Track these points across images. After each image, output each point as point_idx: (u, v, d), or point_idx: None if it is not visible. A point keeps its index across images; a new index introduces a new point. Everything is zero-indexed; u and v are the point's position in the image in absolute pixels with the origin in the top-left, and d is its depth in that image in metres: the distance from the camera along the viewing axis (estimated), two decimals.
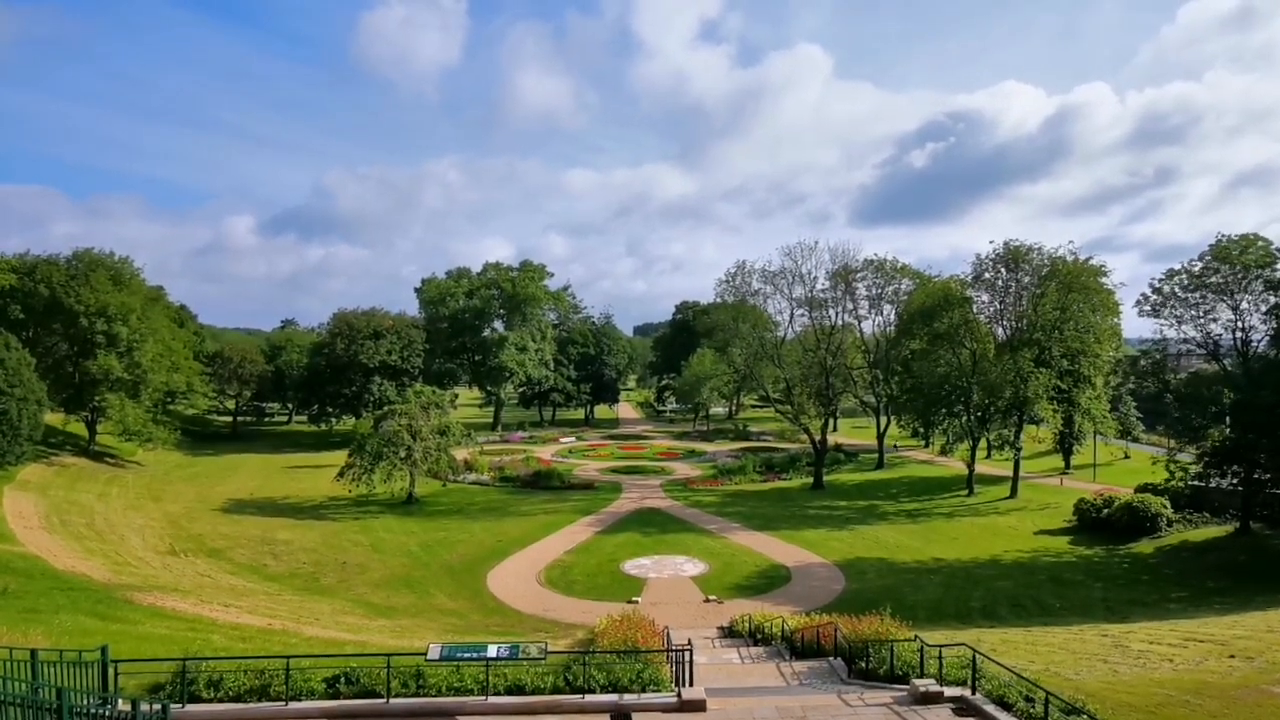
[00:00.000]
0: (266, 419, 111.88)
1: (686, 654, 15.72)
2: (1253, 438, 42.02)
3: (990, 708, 13.84)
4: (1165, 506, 46.60)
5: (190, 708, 13.46)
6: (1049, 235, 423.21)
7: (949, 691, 14.77)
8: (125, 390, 66.74)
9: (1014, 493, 60.22)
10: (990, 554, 44.00)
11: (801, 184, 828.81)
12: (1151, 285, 57.62)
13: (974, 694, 14.59)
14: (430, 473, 60.69)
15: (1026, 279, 61.53)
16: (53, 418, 67.64)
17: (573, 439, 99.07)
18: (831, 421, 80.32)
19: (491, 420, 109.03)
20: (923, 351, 65.08)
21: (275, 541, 46.04)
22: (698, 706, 14.14)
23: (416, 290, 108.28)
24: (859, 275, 74.88)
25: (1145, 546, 44.34)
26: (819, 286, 70.95)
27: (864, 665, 17.88)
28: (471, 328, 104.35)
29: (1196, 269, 54.92)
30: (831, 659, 19.71)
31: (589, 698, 14.33)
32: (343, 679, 14.39)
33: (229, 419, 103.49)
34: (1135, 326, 64.72)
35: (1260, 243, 52.55)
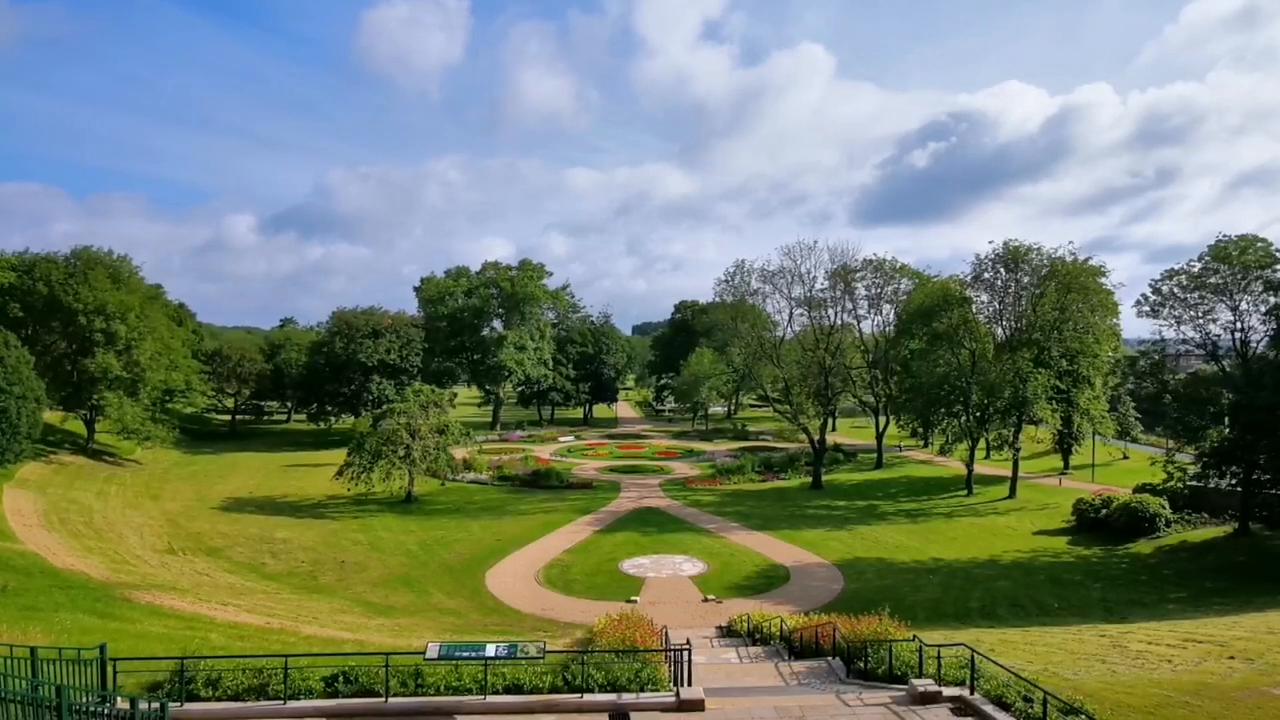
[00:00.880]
0: (265, 417, 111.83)
1: (685, 653, 15.72)
2: (1251, 438, 42.05)
3: (989, 708, 13.85)
4: (1164, 507, 46.64)
5: (189, 706, 13.45)
6: (1049, 235, 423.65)
7: (947, 691, 14.77)
8: (124, 388, 66.71)
9: (1013, 493, 60.27)
10: (989, 554, 44.03)
11: (803, 184, 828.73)
12: (1150, 286, 57.62)
13: (972, 694, 14.60)
14: (429, 472, 60.71)
15: (1026, 279, 61.59)
16: (51, 416, 67.65)
17: (571, 438, 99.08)
18: (830, 421, 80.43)
19: (490, 419, 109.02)
20: (922, 351, 65.13)
21: (274, 540, 46.03)
22: (696, 706, 14.14)
23: (415, 289, 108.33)
24: (858, 275, 74.90)
25: (1144, 547, 44.38)
26: (818, 286, 71.10)
27: (862, 665, 17.89)
28: (470, 327, 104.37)
29: (1196, 269, 54.89)
30: (830, 659, 19.71)
31: (587, 697, 14.32)
32: (341, 678, 14.38)
33: (228, 417, 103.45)
34: (1134, 327, 64.92)
35: (1260, 243, 52.52)
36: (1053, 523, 51.02)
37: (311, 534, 48.01)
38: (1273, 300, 51.23)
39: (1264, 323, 52.10)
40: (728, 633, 28.15)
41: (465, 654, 14.79)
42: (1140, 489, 51.02)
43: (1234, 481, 45.12)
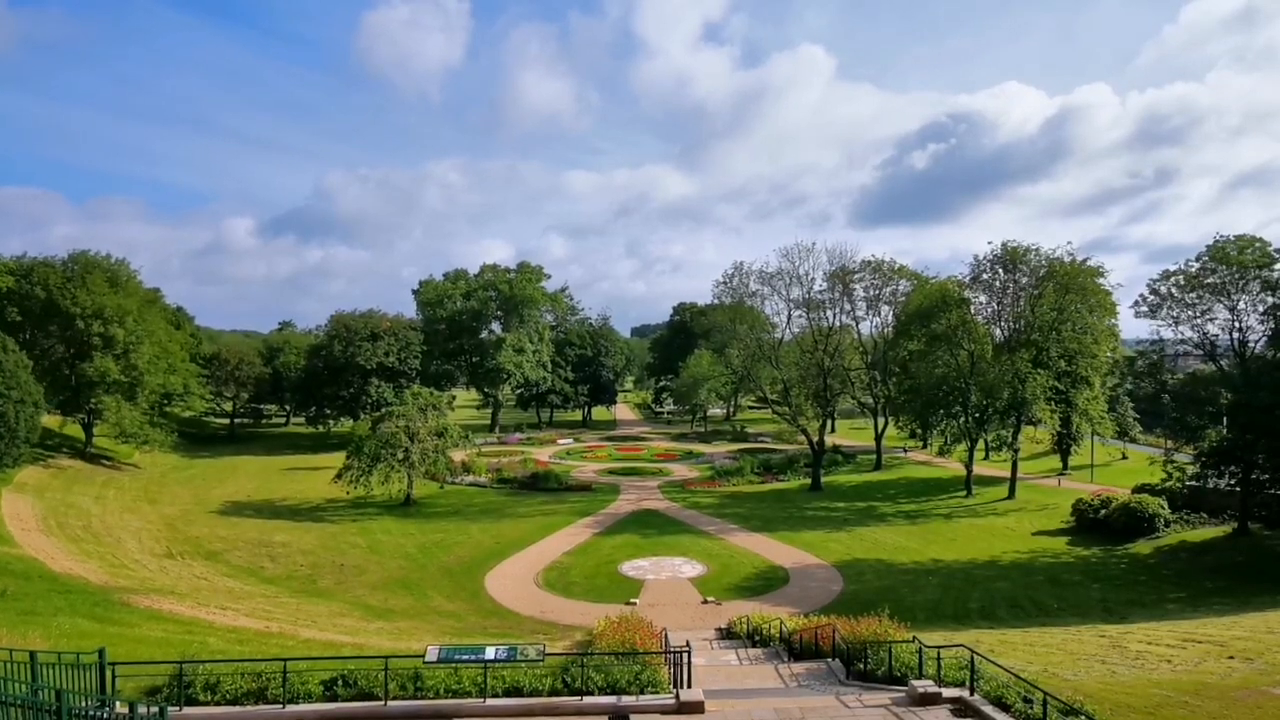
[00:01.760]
0: (264, 421, 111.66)
1: (685, 655, 15.71)
2: (1250, 438, 42.11)
3: (989, 709, 13.84)
4: (1163, 507, 46.67)
5: (187, 710, 13.43)
6: (1048, 236, 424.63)
7: (947, 693, 14.77)
8: (122, 392, 66.63)
9: (1012, 494, 60.30)
10: (988, 555, 44.05)
11: (802, 185, 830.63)
12: (1148, 286, 57.78)
13: (972, 695, 14.59)
14: (428, 474, 60.68)
15: (1024, 280, 61.66)
16: (49, 420, 67.54)
17: (570, 440, 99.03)
18: (829, 423, 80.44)
19: (489, 422, 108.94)
20: (920, 352, 65.14)
21: (272, 544, 45.97)
22: (696, 708, 14.13)
23: (414, 292, 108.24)
24: (857, 276, 74.93)
25: (1143, 547, 44.40)
26: (817, 288, 71.06)
27: (862, 667, 17.88)
28: (469, 329, 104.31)
29: (1194, 269, 55.02)
30: (830, 660, 19.70)
31: (587, 699, 14.30)
32: (340, 681, 14.36)
33: (226, 421, 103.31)
34: (1133, 327, 64.89)
35: (1258, 243, 52.64)
36: (1052, 523, 51.03)
37: (310, 537, 47.95)
38: (1270, 300, 51.33)
39: (1262, 322, 52.22)
40: (727, 634, 28.13)
41: (465, 657, 14.79)
42: (1139, 489, 51.04)
43: (1233, 481, 45.14)
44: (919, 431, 77.42)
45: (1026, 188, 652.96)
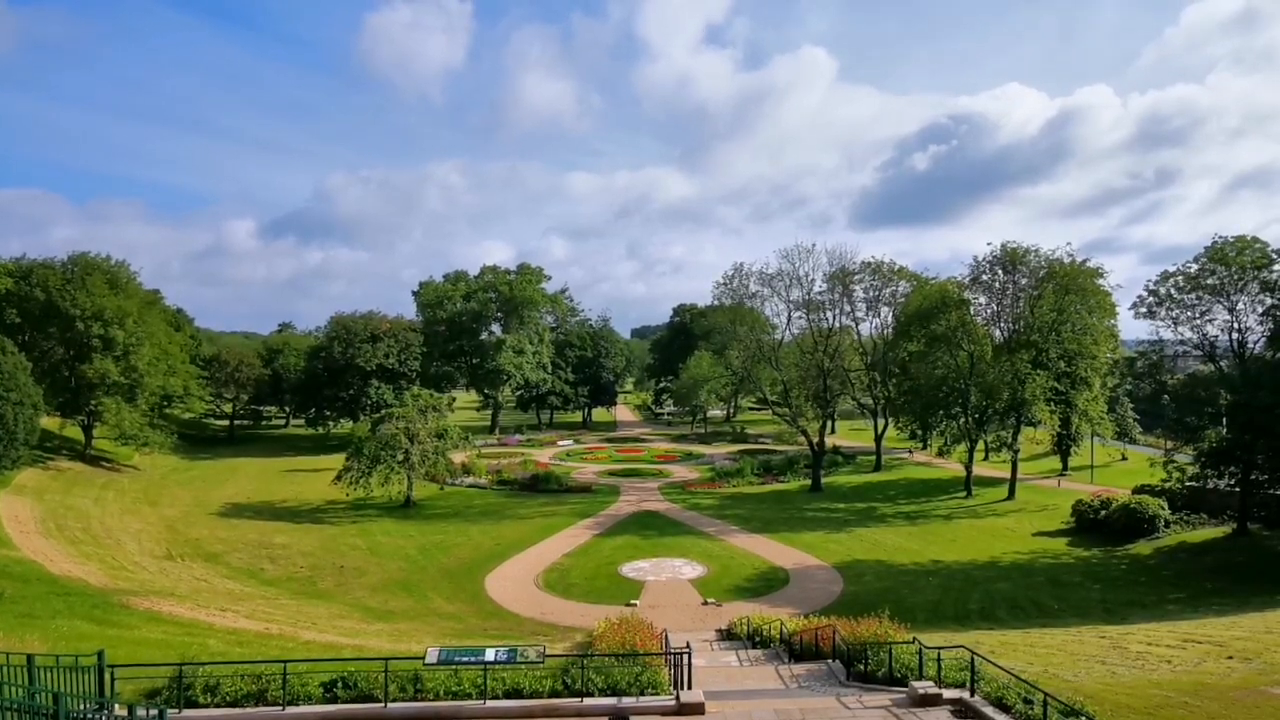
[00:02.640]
0: (264, 423, 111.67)
1: (685, 657, 15.69)
2: (1250, 439, 42.10)
3: (989, 710, 13.83)
4: (1163, 508, 46.68)
5: (187, 713, 13.41)
6: (1048, 237, 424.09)
7: (948, 694, 14.76)
8: (121, 394, 66.59)
9: (1012, 494, 60.30)
10: (988, 556, 44.04)
11: (803, 186, 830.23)
12: (1147, 287, 57.88)
13: (973, 696, 14.58)
14: (428, 476, 60.65)
15: (1024, 281, 61.71)
16: (49, 422, 67.46)
17: (570, 442, 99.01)
18: (829, 424, 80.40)
19: (489, 423, 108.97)
20: (920, 353, 65.17)
21: (272, 545, 45.95)
22: (696, 709, 14.12)
23: (414, 293, 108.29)
24: (856, 277, 74.98)
25: (1143, 548, 44.41)
26: (816, 289, 71.06)
27: (862, 668, 17.87)
28: (469, 331, 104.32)
29: (1192, 270, 55.09)
30: (830, 661, 19.69)
31: (587, 701, 14.29)
32: (340, 683, 14.35)
33: (226, 423, 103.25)
34: (1133, 328, 64.85)
35: (1257, 244, 52.71)
36: (1052, 524, 51.03)
37: (310, 539, 47.93)
38: (1269, 300, 51.39)
39: (1261, 323, 52.28)
40: (727, 636, 28.12)
41: (465, 659, 14.78)
42: (1139, 490, 51.06)
43: (1232, 482, 45.15)
44: (919, 432, 77.42)
45: (1027, 189, 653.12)
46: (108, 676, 13.34)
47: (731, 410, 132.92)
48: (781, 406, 73.10)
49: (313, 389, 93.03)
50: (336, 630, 28.88)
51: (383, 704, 13.92)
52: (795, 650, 22.77)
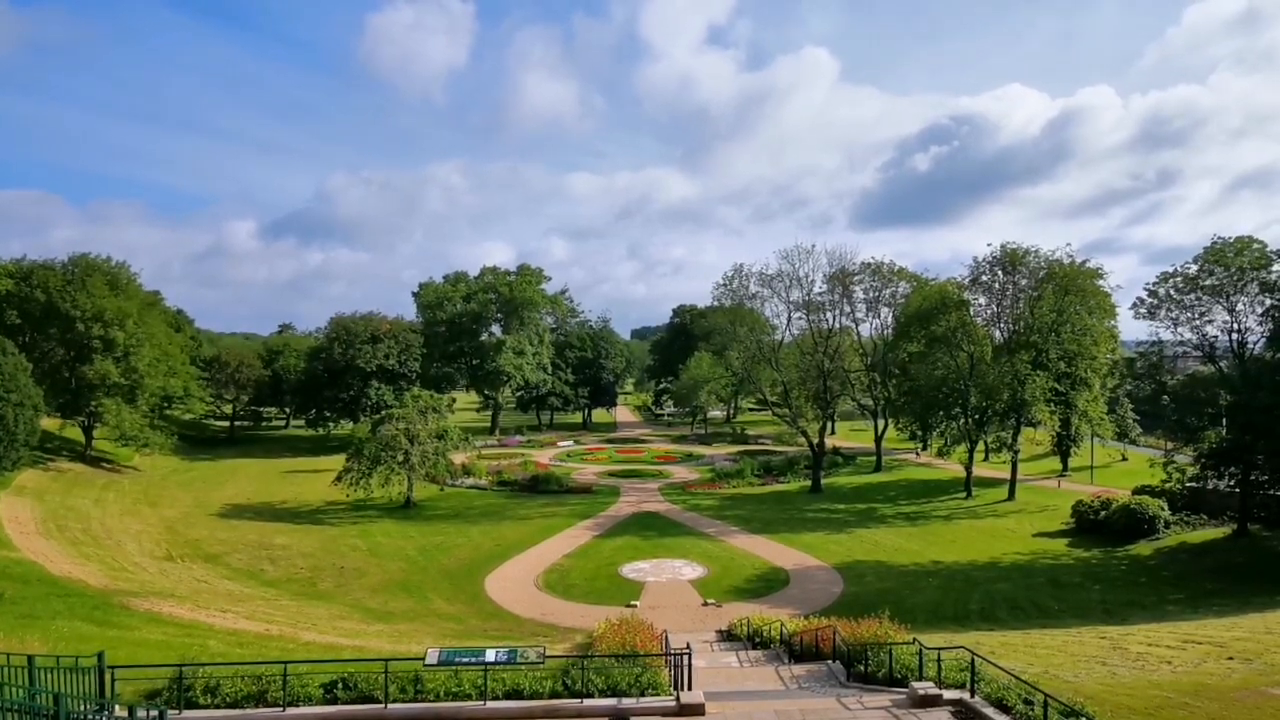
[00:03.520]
0: (264, 424, 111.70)
1: (685, 658, 15.69)
2: (1250, 439, 42.11)
3: (989, 711, 13.82)
4: (1163, 508, 46.68)
5: (187, 714, 13.41)
6: (1048, 238, 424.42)
7: (948, 694, 14.75)
8: (122, 395, 66.59)
9: (1012, 495, 60.29)
10: (988, 556, 44.04)
11: (804, 187, 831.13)
12: (1146, 288, 57.91)
13: (973, 697, 14.57)
14: (428, 477, 60.65)
15: (1024, 281, 61.72)
16: (49, 423, 67.47)
17: (570, 443, 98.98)
18: (829, 425, 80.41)
19: (489, 424, 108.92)
20: (920, 354, 65.18)
21: (272, 546, 45.94)
22: (696, 710, 14.11)
23: (414, 294, 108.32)
24: (856, 278, 74.94)
25: (1143, 548, 44.40)
26: (816, 289, 71.04)
27: (863, 668, 17.86)
28: (469, 332, 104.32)
29: (1192, 271, 55.11)
30: (830, 662, 19.68)
31: (587, 702, 14.29)
32: (340, 684, 14.34)
33: (226, 424, 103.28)
34: (1133, 329, 64.88)
35: (1255, 245, 52.73)
36: (1052, 525, 51.03)
37: (310, 540, 47.93)
38: (1269, 301, 51.38)
39: (1260, 323, 52.30)
40: (728, 637, 28.11)
41: (465, 659, 14.78)
42: (1139, 490, 51.04)
43: (1232, 482, 45.15)
44: (919, 433, 77.41)
45: (1027, 189, 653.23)
46: (108, 677, 13.34)
47: (732, 411, 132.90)
48: (781, 407, 73.09)
49: (313, 390, 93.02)
50: (337, 631, 28.89)
51: (383, 705, 13.91)
52: (795, 651, 22.77)
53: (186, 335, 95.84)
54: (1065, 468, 72.18)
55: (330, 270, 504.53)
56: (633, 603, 34.96)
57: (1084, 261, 60.24)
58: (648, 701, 14.42)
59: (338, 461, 60.49)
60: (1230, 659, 18.96)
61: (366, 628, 30.68)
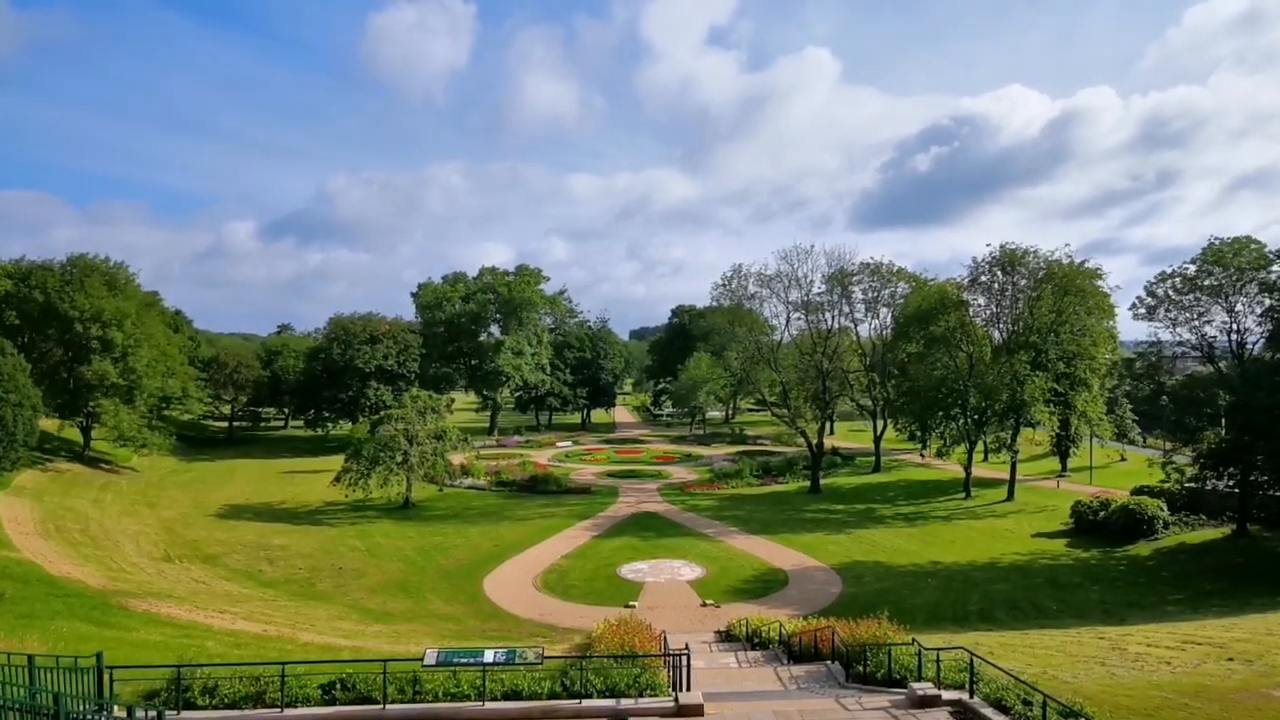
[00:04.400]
0: (262, 424, 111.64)
1: (684, 658, 15.69)
2: (1249, 439, 42.15)
3: (988, 711, 13.81)
4: (1162, 509, 46.69)
5: (185, 714, 13.39)
6: (1048, 238, 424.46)
7: (947, 695, 14.74)
8: (120, 396, 66.52)
9: (1011, 495, 60.31)
10: (987, 557, 44.04)
11: (804, 188, 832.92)
12: (1145, 289, 57.95)
13: (972, 697, 14.56)
14: (426, 477, 60.59)
15: (1023, 282, 61.73)
16: (48, 423, 67.38)
17: (569, 443, 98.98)
18: (828, 425, 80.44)
19: (488, 425, 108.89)
20: (919, 355, 65.21)
21: (271, 547, 45.89)
22: (695, 711, 14.09)
23: (413, 295, 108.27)
24: (855, 279, 74.97)
25: (1142, 549, 44.41)
26: (815, 290, 71.08)
27: (862, 669, 17.85)
28: (468, 332, 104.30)
29: (1190, 272, 55.15)
30: (829, 663, 19.68)
31: (586, 703, 14.27)
32: (339, 685, 14.32)
33: (224, 424, 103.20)
34: (1132, 329, 64.93)
35: (1254, 245, 52.78)
36: (1051, 525, 51.04)
37: (309, 541, 47.88)
38: (1268, 302, 51.42)
39: (1260, 324, 52.34)
40: (726, 637, 28.09)
41: (463, 660, 14.74)
42: (1138, 491, 51.09)
43: (1231, 483, 45.18)
44: (918, 434, 77.45)
45: (1027, 190, 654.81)
46: (107, 678, 13.33)
47: (730, 411, 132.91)
48: (780, 408, 73.10)
49: (312, 390, 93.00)
50: (335, 632, 28.85)
51: (381, 706, 13.89)
52: (794, 652, 22.76)
53: (185, 336, 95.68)
54: (1064, 468, 72.22)
55: (330, 271, 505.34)
56: (631, 603, 34.94)
57: (1083, 262, 60.31)
58: (646, 702, 14.40)
59: (336, 462, 60.45)
60: (1230, 660, 18.95)
61: (365, 628, 30.65)
